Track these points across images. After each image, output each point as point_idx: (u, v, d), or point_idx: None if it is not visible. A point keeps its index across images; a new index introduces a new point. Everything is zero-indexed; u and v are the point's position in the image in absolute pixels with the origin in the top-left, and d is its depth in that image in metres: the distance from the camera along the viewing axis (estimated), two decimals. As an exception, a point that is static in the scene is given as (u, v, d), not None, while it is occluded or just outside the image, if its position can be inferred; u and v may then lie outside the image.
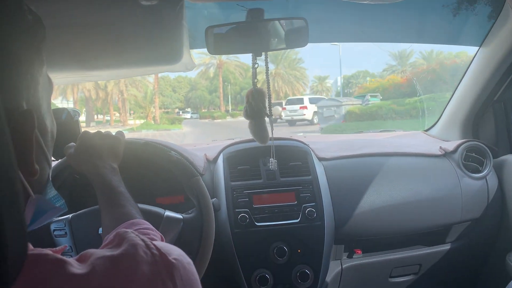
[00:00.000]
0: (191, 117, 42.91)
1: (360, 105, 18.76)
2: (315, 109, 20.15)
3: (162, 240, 0.81)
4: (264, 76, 1.23)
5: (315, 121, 20.16)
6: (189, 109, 50.64)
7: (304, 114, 21.15)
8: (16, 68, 0.44)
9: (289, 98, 26.36)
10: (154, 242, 0.49)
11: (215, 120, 34.61)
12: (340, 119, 16.77)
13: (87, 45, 1.04)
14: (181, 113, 45.67)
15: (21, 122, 0.44)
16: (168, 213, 1.17)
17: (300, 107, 21.33)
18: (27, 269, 0.40)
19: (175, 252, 0.50)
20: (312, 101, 21.45)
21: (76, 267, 0.42)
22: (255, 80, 1.25)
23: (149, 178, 1.42)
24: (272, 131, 1.30)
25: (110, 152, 1.03)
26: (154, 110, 36.89)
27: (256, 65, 1.23)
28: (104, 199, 0.93)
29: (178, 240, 1.15)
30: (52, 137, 0.56)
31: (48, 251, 0.43)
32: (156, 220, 1.12)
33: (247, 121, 1.30)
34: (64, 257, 0.43)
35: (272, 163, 1.39)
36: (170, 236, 1.13)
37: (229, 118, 36.85)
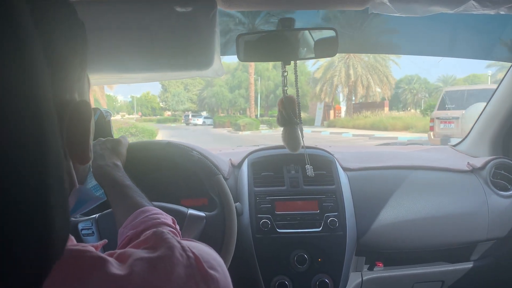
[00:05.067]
0: (204, 123, 35.02)
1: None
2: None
3: (173, 223, 0.85)
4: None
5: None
6: (204, 112, 40.72)
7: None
8: (68, 62, 0.47)
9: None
10: (188, 245, 0.51)
11: (242, 132, 22.99)
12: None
13: (123, 48, 1.08)
14: (190, 116, 36.98)
15: (78, 112, 0.47)
16: (191, 211, 1.20)
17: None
18: (68, 264, 0.41)
19: (208, 256, 0.52)
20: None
21: (116, 267, 0.43)
22: (285, 88, 1.27)
23: (173, 180, 1.45)
24: (303, 138, 1.31)
25: (112, 152, 1.08)
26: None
27: (286, 73, 1.25)
28: (112, 194, 0.96)
29: (201, 238, 1.18)
30: (93, 130, 0.59)
31: (90, 247, 0.45)
32: (180, 218, 1.14)
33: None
34: (105, 256, 0.44)
35: (309, 169, 1.40)
36: (193, 233, 1.15)
37: (264, 129, 25.55)
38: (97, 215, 1.21)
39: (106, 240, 0.60)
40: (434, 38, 1.74)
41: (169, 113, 47.17)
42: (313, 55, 1.23)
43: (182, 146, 1.32)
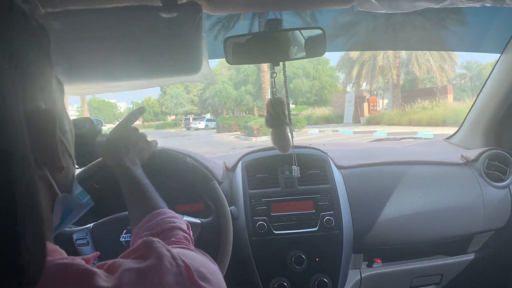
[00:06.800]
0: (206, 127, 31.20)
1: None
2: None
3: (188, 227, 0.85)
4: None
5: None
6: (207, 115, 37.46)
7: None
8: (29, 71, 0.46)
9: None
10: (179, 253, 0.51)
11: (257, 139, 16.97)
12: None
13: (109, 56, 1.07)
14: (191, 120, 33.51)
15: (43, 121, 0.46)
16: (186, 218, 1.19)
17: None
18: (55, 278, 0.41)
19: (198, 264, 0.52)
20: None
21: (104, 279, 0.43)
22: (274, 89, 1.27)
23: (169, 186, 1.44)
24: (292, 139, 1.31)
25: (138, 150, 1.08)
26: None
27: (275, 75, 1.24)
28: (130, 190, 0.96)
29: (197, 244, 1.17)
30: (72, 137, 0.59)
31: (79, 260, 0.45)
32: None
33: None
34: (93, 268, 0.44)
35: (295, 170, 1.40)
36: None
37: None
38: (91, 224, 1.21)
39: (98, 253, 0.60)
40: (423, 33, 1.74)
41: (172, 117, 44.98)
42: (301, 55, 1.23)
43: (176, 153, 1.32)
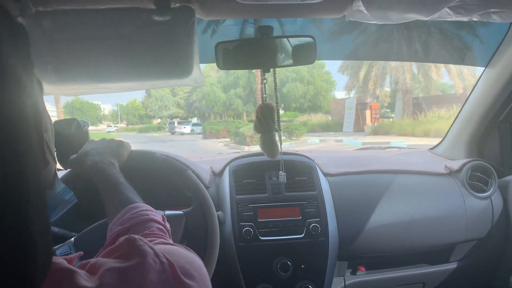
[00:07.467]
0: (192, 132, 29.29)
1: None
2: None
3: (163, 219, 0.85)
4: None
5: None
6: (194, 119, 35.82)
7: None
8: (11, 70, 0.46)
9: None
10: (162, 250, 0.50)
11: (250, 148, 14.44)
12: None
13: (100, 57, 1.07)
14: (176, 124, 31.57)
15: (26, 119, 0.46)
16: (168, 212, 1.18)
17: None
18: None
19: (183, 261, 0.51)
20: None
21: (85, 279, 0.43)
22: (264, 96, 1.27)
23: (154, 190, 1.42)
24: (280, 145, 1.31)
25: (109, 151, 1.10)
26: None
27: (265, 81, 1.25)
28: (105, 190, 0.98)
29: (185, 234, 1.17)
30: (52, 136, 0.59)
31: (61, 259, 0.44)
32: None
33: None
34: (75, 268, 0.43)
35: (282, 176, 1.40)
36: (177, 233, 1.14)
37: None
38: (73, 238, 1.18)
39: (81, 252, 0.59)
40: (410, 45, 1.77)
41: (158, 120, 43.17)
42: (291, 63, 1.24)
43: (145, 151, 1.31)
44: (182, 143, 21.08)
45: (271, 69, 1.23)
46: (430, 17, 1.12)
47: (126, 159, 1.19)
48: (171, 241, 0.72)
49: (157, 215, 0.84)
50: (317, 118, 27.48)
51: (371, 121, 23.00)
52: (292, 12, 1.14)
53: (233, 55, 1.20)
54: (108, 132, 39.09)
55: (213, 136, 22.68)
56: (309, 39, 1.19)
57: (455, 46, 1.79)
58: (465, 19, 1.17)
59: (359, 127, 22.47)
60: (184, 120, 34.28)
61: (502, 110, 1.73)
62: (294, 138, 18.06)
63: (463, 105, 1.88)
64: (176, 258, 0.50)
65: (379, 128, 20.71)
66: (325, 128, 24.67)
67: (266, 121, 1.25)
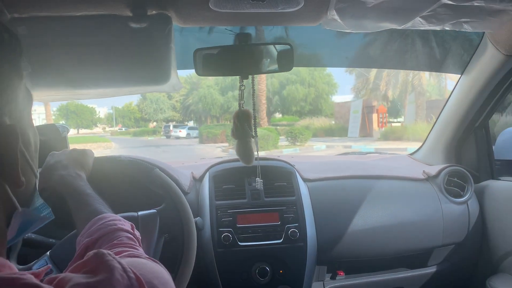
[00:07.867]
0: (188, 135, 28.21)
1: None
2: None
3: (132, 228, 0.84)
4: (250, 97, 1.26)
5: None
6: (190, 122, 34.20)
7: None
8: None
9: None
10: (130, 264, 0.50)
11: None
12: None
13: (76, 64, 1.07)
14: (171, 127, 30.72)
15: (5, 137, 0.46)
16: (141, 212, 1.17)
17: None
18: None
19: (150, 276, 0.52)
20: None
21: None
22: (242, 102, 1.28)
23: (125, 193, 1.40)
24: (257, 151, 1.32)
25: (75, 162, 1.07)
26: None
27: (243, 87, 1.26)
28: (73, 203, 0.96)
29: (162, 234, 1.16)
30: (35, 149, 0.58)
31: (27, 275, 0.43)
32: (133, 223, 1.13)
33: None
34: (41, 284, 0.43)
35: (258, 182, 1.41)
36: (152, 233, 1.13)
37: (286, 145, 16.40)
38: (48, 252, 1.17)
39: (49, 266, 0.59)
40: (387, 52, 1.80)
41: (154, 124, 41.92)
42: (269, 69, 1.25)
43: (109, 156, 1.28)
44: (177, 148, 20.09)
45: (250, 76, 1.24)
46: (403, 26, 1.15)
47: (92, 167, 1.18)
48: (141, 250, 0.71)
49: (126, 224, 0.84)
50: (319, 122, 26.19)
51: (378, 125, 21.76)
52: (268, 20, 1.16)
53: (212, 61, 1.21)
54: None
55: (210, 141, 21.27)
56: (287, 47, 1.20)
57: (432, 54, 1.83)
58: (437, 28, 1.20)
59: (365, 132, 21.18)
60: (180, 124, 33.45)
61: (478, 116, 1.76)
62: (299, 144, 17.11)
63: (441, 112, 1.91)
64: (144, 272, 0.51)
65: (391, 133, 19.48)
66: (329, 132, 23.37)
67: (242, 127, 1.26)
